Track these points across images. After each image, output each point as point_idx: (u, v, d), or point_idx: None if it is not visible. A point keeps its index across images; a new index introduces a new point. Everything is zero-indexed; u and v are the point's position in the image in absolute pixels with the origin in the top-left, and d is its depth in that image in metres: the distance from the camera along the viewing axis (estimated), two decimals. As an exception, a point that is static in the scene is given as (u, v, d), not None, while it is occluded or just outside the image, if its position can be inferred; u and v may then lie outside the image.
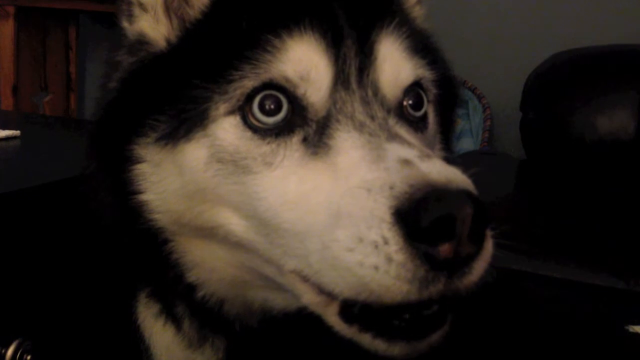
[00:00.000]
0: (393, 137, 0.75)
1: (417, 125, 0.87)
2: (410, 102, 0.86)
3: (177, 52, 0.87)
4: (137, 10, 0.91)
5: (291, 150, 0.78)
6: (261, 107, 0.79)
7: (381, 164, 0.69)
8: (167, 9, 0.90)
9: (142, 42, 0.91)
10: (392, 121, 0.79)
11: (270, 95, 0.79)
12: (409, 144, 0.74)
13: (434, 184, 0.65)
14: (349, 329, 0.73)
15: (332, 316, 0.75)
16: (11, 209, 1.14)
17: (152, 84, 0.87)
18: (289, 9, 0.82)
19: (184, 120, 0.81)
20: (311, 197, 0.73)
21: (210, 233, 0.84)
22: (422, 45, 0.90)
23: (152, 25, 0.90)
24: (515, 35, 3.58)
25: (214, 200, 0.82)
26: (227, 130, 0.80)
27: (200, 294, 0.90)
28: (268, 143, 0.78)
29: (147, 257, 0.91)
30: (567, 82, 2.75)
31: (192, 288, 0.90)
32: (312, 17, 0.80)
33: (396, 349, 0.71)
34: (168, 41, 0.89)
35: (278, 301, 0.87)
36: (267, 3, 0.84)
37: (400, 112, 0.84)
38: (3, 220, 1.13)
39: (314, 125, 0.79)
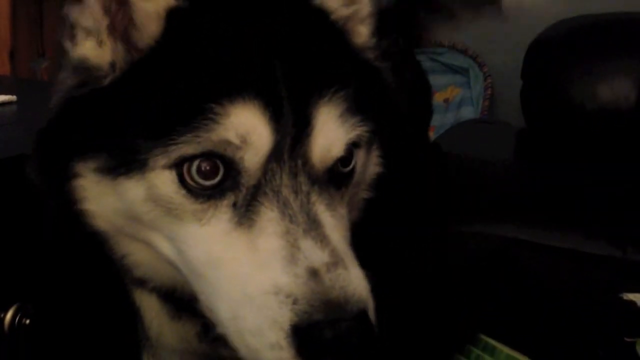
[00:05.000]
0: (310, 225, 0.81)
1: (343, 179, 0.91)
2: (340, 160, 0.89)
3: (121, 95, 0.87)
4: (80, 35, 0.89)
5: (220, 212, 0.83)
6: (198, 170, 0.82)
7: (293, 269, 0.78)
8: (113, 31, 0.89)
9: (84, 67, 0.89)
10: (314, 197, 0.84)
11: (208, 160, 0.82)
12: (321, 240, 0.81)
13: (333, 304, 0.76)
14: None
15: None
16: (7, 175, 1.14)
17: (93, 121, 0.87)
18: (234, 78, 0.83)
19: (124, 162, 0.84)
20: (230, 267, 0.81)
21: (148, 243, 0.91)
22: (362, 98, 0.91)
23: (96, 51, 0.89)
24: (518, 2, 3.53)
25: (149, 226, 0.87)
26: (163, 182, 0.83)
27: (150, 285, 0.99)
28: (200, 203, 0.83)
29: (92, 255, 0.98)
30: (568, 50, 2.72)
31: (141, 281, 0.99)
32: (256, 88, 0.82)
33: None
34: (112, 66, 0.88)
35: None
36: (213, 69, 0.84)
37: (327, 176, 0.88)
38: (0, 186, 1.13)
39: (244, 192, 0.83)
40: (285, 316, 0.76)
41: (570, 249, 1.87)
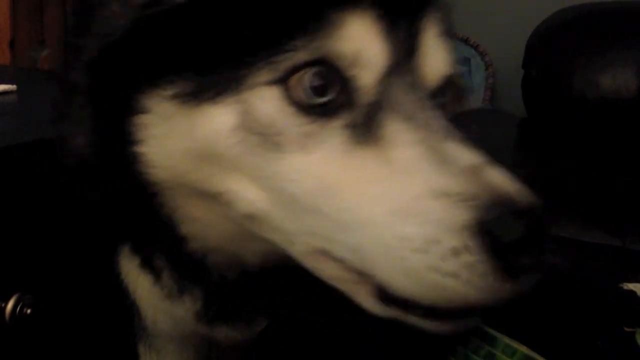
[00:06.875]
0: (446, 133, 0.71)
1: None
2: (448, 78, 0.82)
3: (207, 4, 0.74)
4: None
5: (331, 135, 0.72)
6: (310, 84, 0.72)
7: (447, 168, 0.66)
8: None
9: None
10: (436, 111, 0.74)
11: (321, 73, 0.72)
12: (463, 143, 0.71)
13: (511, 198, 0.64)
14: (388, 310, 0.70)
15: (364, 296, 0.71)
16: (7, 164, 1.14)
17: (175, 35, 0.75)
18: None
19: (213, 83, 0.73)
20: (364, 187, 0.69)
21: (212, 197, 0.78)
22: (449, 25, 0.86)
23: None
24: (520, -10, 3.52)
25: (229, 167, 0.75)
26: (266, 101, 0.72)
27: (190, 245, 0.88)
28: (309, 123, 0.72)
29: (134, 212, 0.87)
30: (569, 39, 2.71)
31: (181, 240, 0.87)
32: None
33: (447, 326, 0.70)
34: None
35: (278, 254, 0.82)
36: None
37: (437, 93, 0.80)
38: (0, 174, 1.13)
39: (361, 110, 0.73)
40: (461, 216, 0.63)
41: (570, 238, 1.88)
